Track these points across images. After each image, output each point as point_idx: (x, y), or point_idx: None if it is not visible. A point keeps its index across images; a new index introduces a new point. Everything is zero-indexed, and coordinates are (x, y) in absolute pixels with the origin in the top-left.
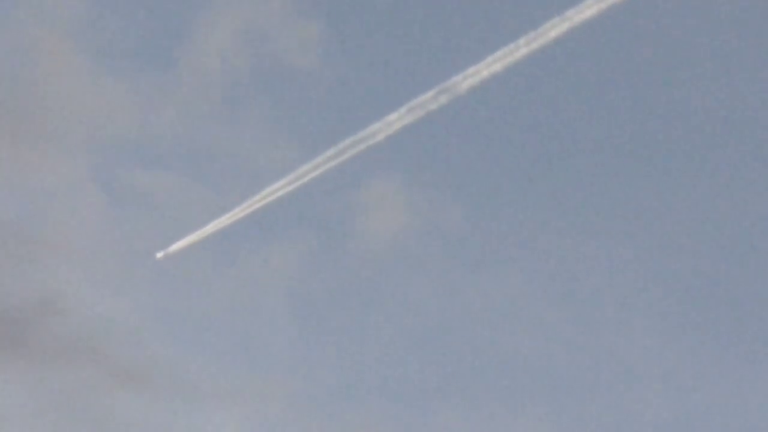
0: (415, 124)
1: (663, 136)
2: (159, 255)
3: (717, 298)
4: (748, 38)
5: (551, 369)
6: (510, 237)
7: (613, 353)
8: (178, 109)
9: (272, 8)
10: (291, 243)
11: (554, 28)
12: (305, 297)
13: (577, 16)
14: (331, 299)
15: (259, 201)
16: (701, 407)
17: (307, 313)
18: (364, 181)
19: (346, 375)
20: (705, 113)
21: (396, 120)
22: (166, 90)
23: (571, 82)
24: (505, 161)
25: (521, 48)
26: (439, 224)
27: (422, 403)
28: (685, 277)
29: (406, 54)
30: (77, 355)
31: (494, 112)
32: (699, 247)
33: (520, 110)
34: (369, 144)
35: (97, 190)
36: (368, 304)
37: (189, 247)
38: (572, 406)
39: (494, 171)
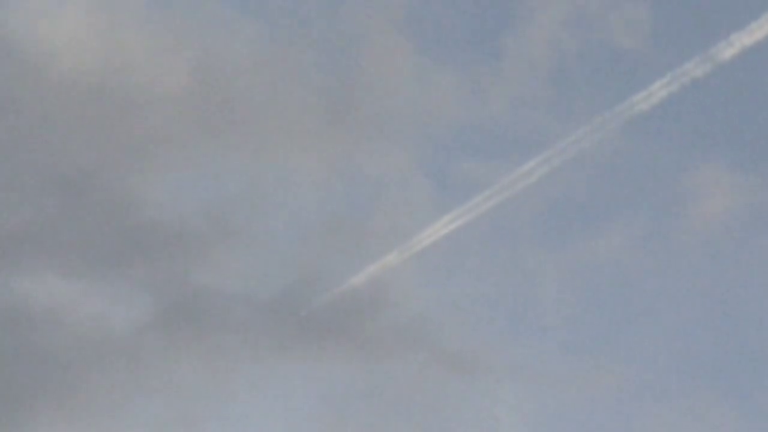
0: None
1: None
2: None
3: None
4: None
5: None
6: None
7: None
8: (506, 97)
9: None
10: (622, 226)
11: None
12: (634, 278)
13: None
14: (661, 282)
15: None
16: None
17: (633, 297)
18: (691, 165)
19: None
20: None
21: None
22: (493, 79)
23: None
24: None
25: None
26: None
27: (734, 396)
28: None
29: None
30: (408, 343)
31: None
32: None
33: None
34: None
35: (426, 180)
36: (695, 290)
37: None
38: None
39: None
